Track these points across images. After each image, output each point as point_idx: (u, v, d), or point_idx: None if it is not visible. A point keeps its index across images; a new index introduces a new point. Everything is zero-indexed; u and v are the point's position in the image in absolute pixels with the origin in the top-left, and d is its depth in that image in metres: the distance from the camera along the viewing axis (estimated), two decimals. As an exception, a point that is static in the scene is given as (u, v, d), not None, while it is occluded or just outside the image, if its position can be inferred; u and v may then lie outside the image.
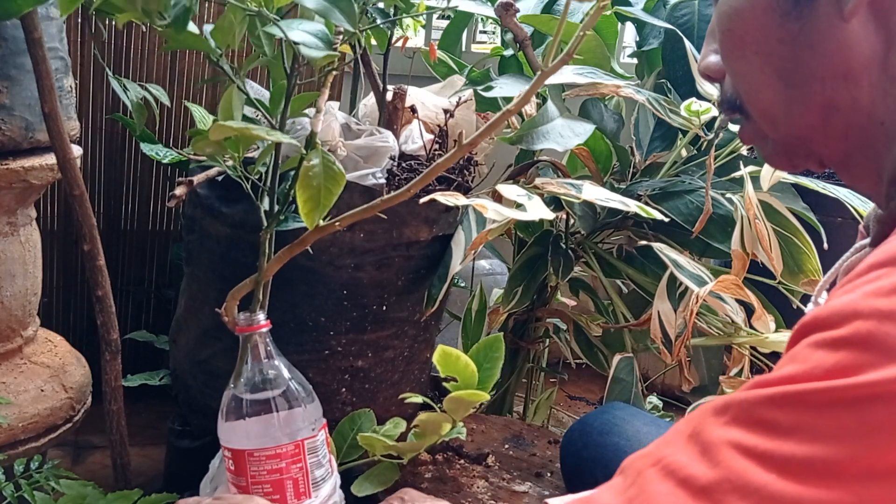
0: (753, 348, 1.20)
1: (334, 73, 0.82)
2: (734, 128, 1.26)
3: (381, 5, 0.95)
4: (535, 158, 1.34)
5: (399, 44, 1.26)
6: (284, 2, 0.79)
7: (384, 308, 1.12)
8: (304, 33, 0.72)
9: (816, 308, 0.44)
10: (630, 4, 1.43)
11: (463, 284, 1.63)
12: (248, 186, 0.88)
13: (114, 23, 0.73)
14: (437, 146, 1.15)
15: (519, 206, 0.94)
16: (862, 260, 0.57)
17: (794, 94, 0.52)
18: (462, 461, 1.17)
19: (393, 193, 0.82)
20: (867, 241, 0.58)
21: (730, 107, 0.58)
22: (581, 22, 0.88)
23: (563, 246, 1.31)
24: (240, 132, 0.76)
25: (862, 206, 1.25)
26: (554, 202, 1.23)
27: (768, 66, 0.52)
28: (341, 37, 0.80)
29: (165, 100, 1.11)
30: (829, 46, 0.50)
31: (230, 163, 0.86)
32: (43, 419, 1.14)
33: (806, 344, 0.43)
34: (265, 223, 0.88)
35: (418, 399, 1.04)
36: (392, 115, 1.15)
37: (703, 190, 1.21)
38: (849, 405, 0.39)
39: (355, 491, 1.01)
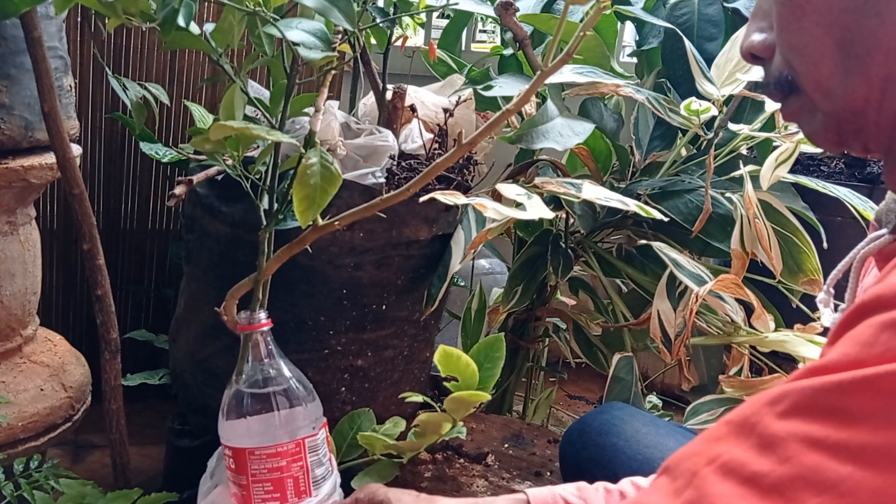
0: (753, 347, 1.20)
1: (333, 72, 0.82)
2: (734, 127, 1.26)
3: (380, 4, 0.95)
4: (535, 158, 1.34)
5: (399, 43, 1.26)
6: (283, 1, 0.79)
7: (384, 307, 1.12)
8: (302, 33, 0.72)
9: (877, 287, 0.41)
10: (630, 4, 1.43)
11: (462, 283, 1.64)
12: (248, 185, 0.88)
13: (114, 25, 0.73)
14: (436, 145, 1.15)
15: (518, 205, 0.94)
16: (879, 249, 0.56)
17: (853, 65, 0.51)
18: (462, 460, 1.17)
19: (392, 193, 0.82)
20: (883, 231, 0.57)
21: (780, 86, 0.56)
22: (581, 21, 0.88)
23: (563, 245, 1.31)
24: (240, 131, 0.76)
25: (861, 205, 1.25)
26: (553, 201, 1.23)
27: (829, 36, 0.51)
28: (340, 36, 0.80)
29: (165, 99, 1.11)
30: None
31: (230, 162, 0.86)
32: (42, 418, 1.14)
33: (869, 325, 0.40)
34: (264, 222, 0.88)
35: (418, 398, 1.04)
36: (392, 115, 1.15)
37: (703, 189, 1.21)
38: None
39: (356, 486, 1.01)
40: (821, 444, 0.38)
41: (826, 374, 0.40)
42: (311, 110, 0.84)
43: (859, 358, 0.39)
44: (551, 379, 1.68)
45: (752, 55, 0.58)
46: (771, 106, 1.21)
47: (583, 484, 0.79)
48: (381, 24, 1.00)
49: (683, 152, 1.37)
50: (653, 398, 1.62)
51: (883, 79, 0.50)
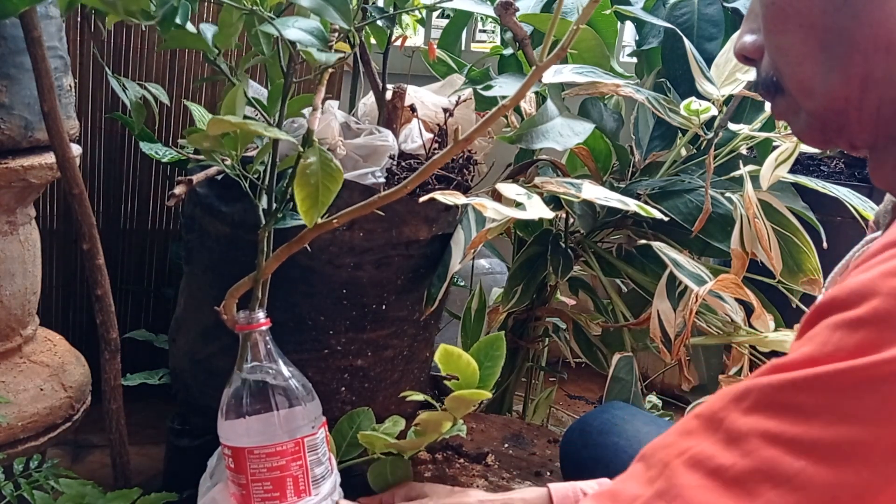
0: (753, 347, 1.20)
1: (331, 70, 0.82)
2: (734, 127, 1.26)
3: (380, 3, 0.95)
4: (535, 157, 1.34)
5: (398, 42, 1.26)
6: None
7: (384, 307, 1.12)
8: (299, 31, 0.72)
9: (834, 289, 0.44)
10: (630, 3, 1.43)
11: (462, 283, 1.63)
12: (246, 185, 0.88)
13: (113, 21, 0.73)
14: (436, 145, 1.15)
15: (518, 205, 0.94)
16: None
17: (834, 65, 0.52)
18: (462, 460, 1.17)
19: (389, 191, 0.82)
20: (878, 233, 0.58)
21: (767, 87, 0.58)
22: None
23: (563, 245, 1.31)
24: (238, 127, 0.76)
25: (861, 205, 1.25)
26: (553, 201, 1.23)
27: (811, 37, 0.53)
28: (336, 34, 0.80)
29: (165, 98, 1.11)
30: (874, 16, 0.50)
31: (228, 161, 0.86)
32: (42, 418, 1.14)
33: (825, 325, 0.43)
34: (263, 222, 0.88)
35: (419, 397, 1.04)
36: (391, 114, 1.15)
37: (703, 189, 1.21)
38: (870, 384, 0.39)
39: (373, 485, 1.00)
40: (778, 439, 0.41)
41: (786, 372, 0.43)
42: (309, 110, 0.84)
43: (813, 356, 0.42)
44: (551, 379, 1.68)
45: (744, 56, 0.60)
46: (771, 106, 1.21)
47: (604, 480, 0.81)
48: (380, 23, 1.00)
49: (683, 152, 1.37)
50: (653, 398, 1.62)
51: (862, 78, 0.52)
